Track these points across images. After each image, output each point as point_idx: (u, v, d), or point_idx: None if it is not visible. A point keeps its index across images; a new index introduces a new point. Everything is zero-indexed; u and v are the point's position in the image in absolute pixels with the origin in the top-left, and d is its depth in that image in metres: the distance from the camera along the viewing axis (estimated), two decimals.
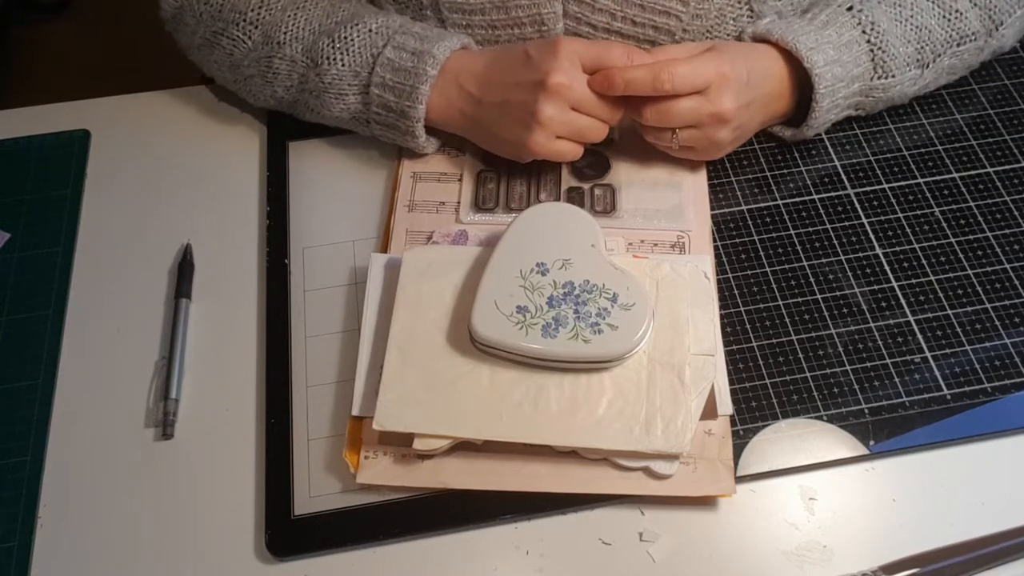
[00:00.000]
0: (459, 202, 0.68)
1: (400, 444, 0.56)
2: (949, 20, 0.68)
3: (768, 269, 0.65)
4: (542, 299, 0.57)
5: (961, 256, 0.65)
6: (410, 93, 0.64)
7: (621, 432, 0.54)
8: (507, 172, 0.69)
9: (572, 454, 0.55)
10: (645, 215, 0.67)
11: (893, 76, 0.67)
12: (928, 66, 0.69)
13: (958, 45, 0.69)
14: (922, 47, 0.67)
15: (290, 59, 0.67)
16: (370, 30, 0.66)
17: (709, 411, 0.56)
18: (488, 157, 0.69)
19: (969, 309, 0.63)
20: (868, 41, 0.66)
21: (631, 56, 0.62)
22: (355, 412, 0.57)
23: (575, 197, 0.68)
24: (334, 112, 0.68)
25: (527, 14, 0.67)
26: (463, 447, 0.56)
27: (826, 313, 0.62)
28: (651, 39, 0.69)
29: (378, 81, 0.65)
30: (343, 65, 0.65)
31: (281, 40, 0.67)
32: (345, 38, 0.66)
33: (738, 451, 0.56)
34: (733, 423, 0.57)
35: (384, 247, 0.66)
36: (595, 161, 0.70)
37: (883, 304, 0.63)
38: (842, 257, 0.65)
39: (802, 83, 0.67)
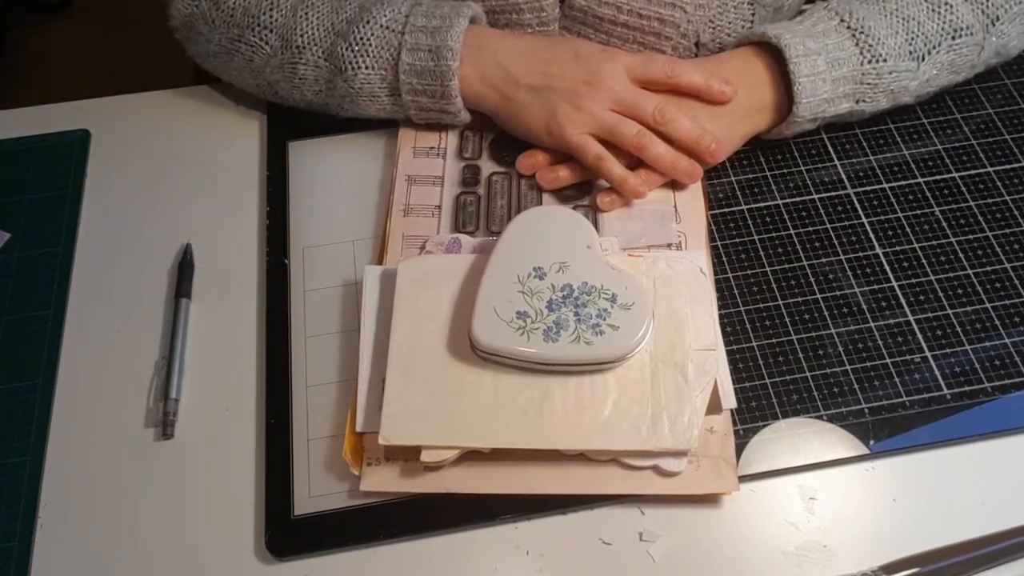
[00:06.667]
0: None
1: (406, 456, 0.56)
2: (938, 13, 0.68)
3: (768, 269, 0.65)
4: (541, 303, 0.57)
5: (961, 256, 0.65)
6: (442, 93, 0.66)
7: (629, 432, 0.54)
8: (487, 193, 0.68)
9: (578, 455, 0.55)
10: (631, 233, 0.66)
11: (885, 60, 0.67)
12: (923, 59, 0.68)
13: (953, 39, 0.68)
14: (912, 38, 0.67)
15: (314, 64, 0.67)
16: (382, 26, 0.66)
17: (713, 406, 0.56)
18: (467, 179, 0.69)
19: (969, 309, 0.63)
20: (848, 27, 0.67)
21: (672, 68, 0.66)
22: (359, 428, 0.56)
23: None
24: (370, 113, 0.70)
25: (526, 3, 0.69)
26: (469, 454, 0.55)
27: (826, 313, 0.62)
28: (656, 32, 0.69)
29: (407, 88, 0.66)
30: (367, 69, 0.66)
31: (300, 44, 0.67)
32: (361, 40, 0.66)
33: (738, 451, 0.56)
34: (733, 422, 0.57)
35: (381, 252, 0.65)
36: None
37: (883, 304, 0.63)
38: (842, 257, 0.65)
39: (781, 73, 0.68)
